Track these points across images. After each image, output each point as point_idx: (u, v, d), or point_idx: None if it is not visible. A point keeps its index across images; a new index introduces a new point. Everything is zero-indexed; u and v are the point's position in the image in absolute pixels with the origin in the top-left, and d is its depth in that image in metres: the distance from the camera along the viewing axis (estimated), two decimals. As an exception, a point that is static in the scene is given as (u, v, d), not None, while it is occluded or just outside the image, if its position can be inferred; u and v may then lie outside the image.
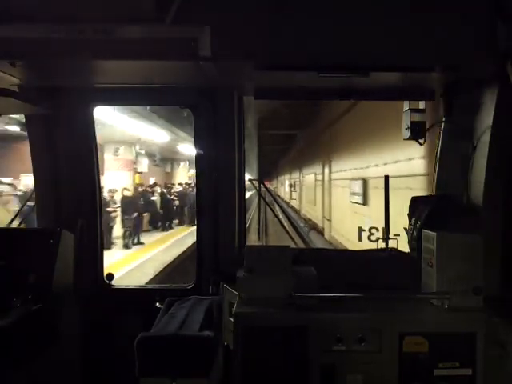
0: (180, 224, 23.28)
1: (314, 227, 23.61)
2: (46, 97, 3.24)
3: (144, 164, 23.21)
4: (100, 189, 3.64)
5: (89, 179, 3.52)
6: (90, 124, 3.49)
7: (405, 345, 2.49)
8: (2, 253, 3.04)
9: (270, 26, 2.49)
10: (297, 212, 34.08)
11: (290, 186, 39.15)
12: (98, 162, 3.60)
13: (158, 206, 21.91)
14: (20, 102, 3.01)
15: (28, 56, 2.53)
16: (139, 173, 22.90)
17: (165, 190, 23.31)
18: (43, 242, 3.08)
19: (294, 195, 37.14)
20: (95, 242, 3.56)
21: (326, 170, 21.56)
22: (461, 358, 2.49)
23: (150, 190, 22.10)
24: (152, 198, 21.54)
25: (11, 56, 2.53)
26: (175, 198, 23.37)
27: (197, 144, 3.50)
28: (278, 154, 43.00)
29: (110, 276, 3.64)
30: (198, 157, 3.51)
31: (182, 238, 19.53)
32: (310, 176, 29.01)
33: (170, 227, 22.36)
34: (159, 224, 22.00)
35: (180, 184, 26.71)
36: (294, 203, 37.69)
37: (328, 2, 2.51)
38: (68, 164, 3.48)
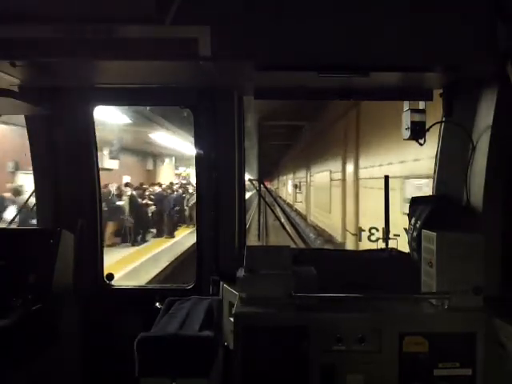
0: (158, 235, 18.30)
1: (329, 240, 18.90)
2: (46, 97, 3.24)
3: (103, 157, 16.54)
4: (100, 188, 3.64)
5: (89, 179, 3.52)
6: (89, 124, 3.49)
7: (405, 345, 2.49)
8: (2, 253, 3.03)
9: (270, 26, 2.48)
10: (303, 217, 29.20)
11: (295, 186, 35.14)
12: (98, 161, 3.60)
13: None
14: (20, 103, 3.00)
15: (28, 56, 2.53)
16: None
17: (135, 192, 17.97)
18: (43, 241, 3.08)
19: (299, 197, 32.36)
20: (95, 242, 3.57)
21: (350, 167, 16.48)
22: (461, 358, 2.49)
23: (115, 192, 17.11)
24: (118, 203, 16.79)
25: (11, 56, 2.53)
26: (151, 203, 18.57)
27: (197, 144, 3.51)
28: (279, 152, 40.88)
29: (110, 276, 3.64)
30: (197, 157, 3.52)
31: (154, 256, 14.64)
32: (321, 175, 23.04)
33: (144, 240, 17.42)
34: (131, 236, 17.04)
35: (159, 184, 21.69)
36: (299, 206, 32.72)
37: (328, 1, 2.51)
38: (68, 164, 3.48)
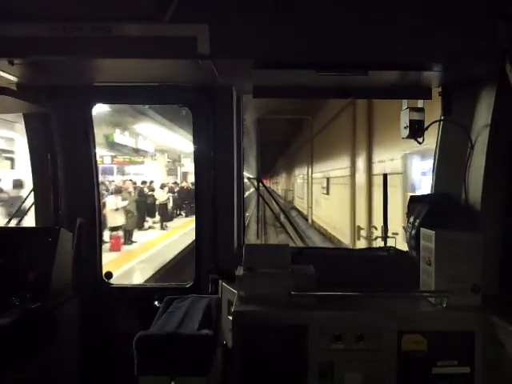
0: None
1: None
2: (45, 95, 3.23)
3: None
4: (99, 187, 3.63)
5: (87, 177, 3.52)
6: (88, 122, 3.49)
7: (403, 343, 2.50)
8: (1, 251, 3.03)
9: (269, 24, 2.48)
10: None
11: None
12: (96, 160, 3.59)
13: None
14: (18, 101, 3.00)
15: (26, 54, 2.52)
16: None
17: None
18: (42, 240, 3.07)
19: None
20: (94, 241, 3.56)
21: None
22: (459, 356, 2.50)
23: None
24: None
25: (9, 54, 2.52)
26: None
27: (195, 142, 3.50)
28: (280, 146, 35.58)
29: (109, 274, 3.64)
30: (196, 155, 3.51)
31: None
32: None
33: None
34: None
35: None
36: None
37: (327, 0, 2.51)
38: (66, 162, 3.47)
